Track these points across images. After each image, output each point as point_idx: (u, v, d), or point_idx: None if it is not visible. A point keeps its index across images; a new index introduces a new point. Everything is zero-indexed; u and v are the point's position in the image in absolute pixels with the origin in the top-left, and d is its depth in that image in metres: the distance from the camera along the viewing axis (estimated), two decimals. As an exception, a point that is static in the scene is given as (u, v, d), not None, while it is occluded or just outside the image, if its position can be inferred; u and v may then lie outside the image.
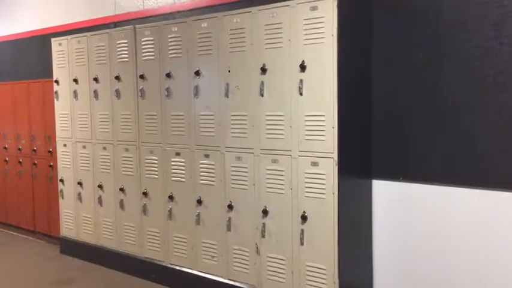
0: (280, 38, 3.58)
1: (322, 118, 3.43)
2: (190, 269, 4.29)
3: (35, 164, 6.11)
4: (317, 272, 3.53)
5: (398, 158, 3.73)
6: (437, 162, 3.55)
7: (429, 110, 3.57)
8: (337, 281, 3.43)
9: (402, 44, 3.67)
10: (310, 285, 3.57)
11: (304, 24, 3.46)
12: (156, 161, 4.52)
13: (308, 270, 3.58)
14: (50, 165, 5.84)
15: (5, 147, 6.55)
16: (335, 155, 3.39)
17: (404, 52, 3.67)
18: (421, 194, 3.63)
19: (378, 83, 3.78)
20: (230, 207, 3.97)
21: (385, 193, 3.79)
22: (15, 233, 6.54)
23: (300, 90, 3.51)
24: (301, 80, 3.50)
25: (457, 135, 3.46)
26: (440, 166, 3.55)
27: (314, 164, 3.50)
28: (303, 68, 3.48)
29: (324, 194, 3.46)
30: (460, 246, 3.48)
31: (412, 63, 3.64)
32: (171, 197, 4.39)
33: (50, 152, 5.84)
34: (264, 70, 3.68)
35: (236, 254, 3.99)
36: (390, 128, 3.75)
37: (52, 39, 5.45)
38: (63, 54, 5.30)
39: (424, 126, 3.60)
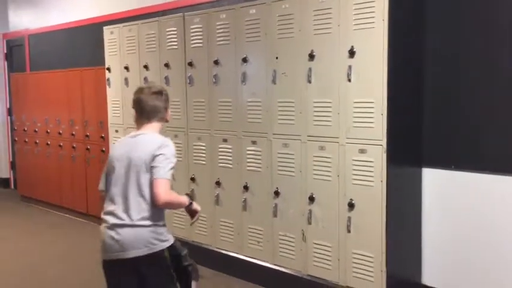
0: (329, 23, 3.53)
1: (371, 105, 3.38)
2: (237, 253, 4.35)
3: (88, 149, 6.32)
4: (364, 260, 3.51)
5: (449, 146, 3.64)
6: (490, 151, 3.45)
7: (482, 98, 3.46)
8: (384, 269, 3.40)
9: (457, 30, 3.56)
10: (357, 272, 3.56)
11: (354, 9, 3.41)
12: (203, 147, 4.59)
13: (355, 258, 3.56)
14: (102, 150, 6.02)
15: (59, 133, 6.80)
16: (384, 142, 3.34)
17: (460, 39, 3.55)
18: (472, 182, 3.53)
19: (429, 70, 3.69)
20: (276, 193, 3.99)
21: (436, 181, 3.71)
22: (69, 216, 6.81)
23: (348, 77, 3.47)
24: (349, 66, 3.46)
25: (509, 124, 3.34)
26: (492, 154, 3.44)
27: (362, 151, 3.46)
28: (351, 53, 3.44)
29: (372, 181, 3.42)
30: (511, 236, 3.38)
31: (467, 49, 3.52)
32: (218, 183, 4.46)
33: (102, 137, 6.02)
34: (311, 56, 3.65)
35: (282, 240, 4.01)
36: (441, 116, 3.66)
37: (104, 28, 5.60)
38: (115, 42, 5.43)
39: (476, 114, 3.49)
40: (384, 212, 3.37)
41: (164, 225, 2.64)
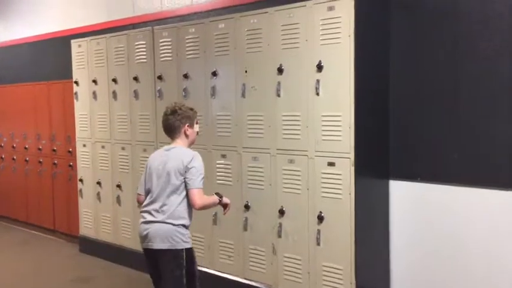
0: (297, 38, 3.58)
1: (338, 118, 3.42)
2: (207, 268, 4.32)
3: (55, 163, 6.21)
4: (333, 273, 3.53)
5: (415, 159, 3.70)
6: (455, 163, 3.52)
7: (447, 111, 3.54)
8: (353, 281, 3.42)
9: (420, 44, 3.64)
10: (327, 285, 3.57)
11: (321, 25, 3.47)
12: (173, 161, 4.55)
13: (324, 271, 3.58)
14: (70, 165, 5.93)
15: (25, 147, 6.67)
16: (352, 155, 3.38)
17: (422, 52, 3.64)
18: (438, 194, 3.59)
19: (395, 83, 3.76)
20: (247, 207, 3.98)
21: (402, 193, 3.77)
22: (35, 232, 6.65)
23: (316, 91, 3.52)
24: (317, 80, 3.50)
25: (475, 136, 3.42)
26: (458, 167, 3.51)
27: (331, 164, 3.49)
28: (319, 68, 3.48)
29: (340, 194, 3.45)
30: (477, 247, 3.44)
31: (430, 63, 3.61)
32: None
33: (69, 151, 5.93)
34: (280, 70, 3.68)
35: (252, 253, 4.00)
36: (408, 128, 3.73)
37: (72, 41, 5.54)
38: (83, 55, 5.38)
39: (442, 127, 3.56)
40: (353, 224, 3.40)
41: (188, 228, 3.13)
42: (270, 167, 3.84)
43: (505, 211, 3.31)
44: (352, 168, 3.38)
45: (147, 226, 3.11)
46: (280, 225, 3.79)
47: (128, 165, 5.00)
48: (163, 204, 3.09)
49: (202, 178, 3.10)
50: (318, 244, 3.58)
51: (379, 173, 3.78)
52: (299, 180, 3.67)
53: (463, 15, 3.43)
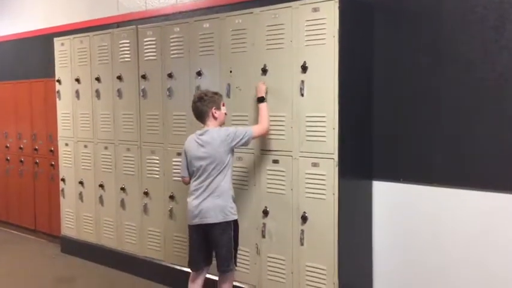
0: (282, 38, 3.59)
1: (323, 119, 3.44)
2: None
3: (36, 163, 6.13)
4: (317, 273, 3.54)
5: (398, 160, 3.74)
6: (437, 164, 3.56)
7: (430, 112, 3.58)
8: (336, 281, 3.44)
9: (403, 46, 3.68)
10: (310, 285, 3.58)
11: (306, 26, 3.48)
12: (157, 161, 4.53)
13: (308, 271, 3.59)
14: (52, 165, 5.86)
15: (6, 146, 6.58)
16: (335, 156, 3.40)
17: (405, 54, 3.68)
18: (420, 195, 3.63)
19: (379, 85, 3.79)
20: (231, 207, 3.98)
21: (385, 194, 3.80)
22: (16, 232, 6.56)
23: (301, 91, 3.53)
24: (302, 81, 3.52)
25: (457, 137, 3.47)
26: (440, 168, 3.55)
27: (315, 164, 3.51)
28: (304, 69, 3.50)
29: (324, 194, 3.47)
30: (459, 248, 3.48)
31: (412, 65, 3.65)
32: (171, 197, 4.41)
33: (51, 151, 5.86)
34: (264, 71, 3.69)
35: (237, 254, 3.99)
36: (391, 130, 3.76)
37: (54, 39, 5.48)
38: (66, 53, 5.32)
39: (425, 128, 3.60)
40: (336, 224, 3.42)
41: (233, 198, 3.49)
42: (254, 167, 3.84)
43: (487, 212, 3.36)
44: (336, 169, 3.40)
45: (197, 204, 3.44)
46: (264, 225, 3.79)
47: (110, 165, 4.96)
48: (211, 182, 3.41)
49: (244, 128, 3.53)
50: (302, 244, 3.60)
51: (362, 174, 3.80)
52: (283, 180, 3.68)
53: (444, 18, 3.48)
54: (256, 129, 3.53)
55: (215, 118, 3.50)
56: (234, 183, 3.93)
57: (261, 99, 3.62)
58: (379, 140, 3.81)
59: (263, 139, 3.74)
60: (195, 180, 3.50)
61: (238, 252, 3.90)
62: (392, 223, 3.79)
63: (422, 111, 3.61)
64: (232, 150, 3.48)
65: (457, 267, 3.50)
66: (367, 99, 3.80)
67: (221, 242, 3.43)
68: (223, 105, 3.57)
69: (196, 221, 3.45)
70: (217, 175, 3.42)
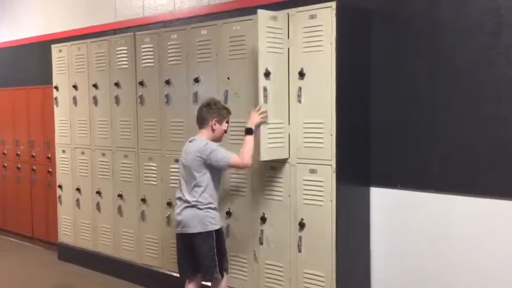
0: (281, 43, 3.58)
1: (320, 126, 3.44)
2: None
3: (33, 169, 6.12)
4: (315, 280, 3.53)
5: (396, 166, 3.73)
6: (434, 171, 3.56)
7: (427, 119, 3.58)
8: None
9: (400, 52, 3.69)
10: (308, 292, 3.58)
11: (303, 32, 3.49)
12: (154, 168, 4.53)
13: (306, 278, 3.58)
14: (49, 171, 5.85)
15: (3, 153, 6.57)
16: (333, 163, 3.40)
17: (403, 61, 3.68)
18: (418, 201, 3.62)
19: (376, 91, 3.79)
20: (228, 213, 3.97)
21: (383, 200, 3.79)
22: (13, 239, 6.54)
23: (298, 98, 3.53)
24: (299, 88, 3.52)
25: (454, 144, 3.47)
26: (437, 174, 3.55)
27: (312, 171, 3.51)
28: (301, 75, 3.50)
29: (322, 201, 3.47)
30: (456, 254, 3.48)
31: (410, 71, 3.65)
32: (169, 204, 4.40)
33: (48, 158, 5.85)
34: (267, 75, 3.61)
35: (234, 260, 3.98)
36: (388, 136, 3.76)
37: (52, 46, 5.49)
38: (63, 60, 5.33)
39: (422, 135, 3.60)
40: (334, 231, 3.42)
41: (215, 210, 3.46)
42: (251, 174, 3.84)
43: (485, 219, 3.35)
44: (334, 175, 3.40)
45: (178, 213, 3.47)
46: (262, 232, 3.78)
47: (108, 172, 4.95)
48: (190, 192, 3.42)
49: (221, 151, 3.37)
50: (300, 251, 3.59)
51: (360, 180, 3.80)
52: (281, 187, 3.68)
53: (441, 24, 3.48)
54: (234, 160, 3.35)
55: (213, 130, 3.48)
56: (232, 190, 3.95)
57: (248, 131, 3.41)
58: (376, 147, 3.80)
59: (261, 145, 3.73)
60: (179, 187, 3.55)
61: (236, 258, 3.91)
62: (390, 229, 3.78)
63: (419, 117, 3.61)
64: (209, 165, 3.37)
65: (454, 273, 3.49)
66: (364, 105, 3.81)
67: (202, 252, 3.40)
68: (227, 122, 3.55)
69: (178, 230, 3.50)
70: (195, 185, 3.40)
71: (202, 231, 3.39)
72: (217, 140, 3.52)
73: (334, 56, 3.35)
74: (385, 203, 3.78)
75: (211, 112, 3.47)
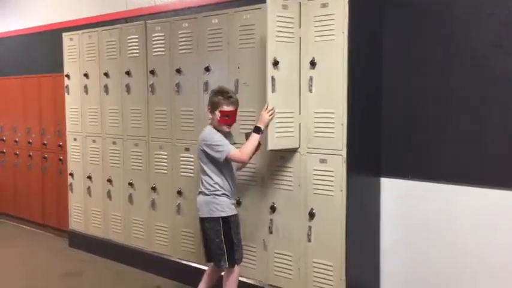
0: (292, 32, 3.56)
1: (331, 115, 3.43)
2: (198, 263, 4.31)
3: (45, 157, 6.17)
4: (324, 269, 3.54)
5: (407, 156, 3.72)
6: (446, 161, 3.55)
7: (439, 108, 3.56)
8: (343, 277, 3.44)
9: (413, 42, 3.66)
10: (317, 281, 3.58)
11: (315, 21, 3.46)
12: (165, 157, 4.54)
13: (315, 267, 3.59)
14: (60, 159, 5.89)
15: (15, 141, 6.62)
16: (344, 152, 3.39)
17: (415, 50, 3.65)
18: (429, 192, 3.62)
19: (388, 80, 3.78)
20: (238, 203, 3.98)
21: (394, 191, 3.79)
22: (24, 226, 6.61)
23: (309, 87, 3.52)
24: (311, 77, 3.51)
25: (465, 134, 3.45)
26: (448, 165, 3.54)
27: (322, 161, 3.50)
28: (313, 64, 3.48)
29: (332, 191, 3.46)
30: (466, 245, 3.47)
31: (422, 61, 3.63)
32: (179, 193, 4.42)
33: (60, 146, 5.89)
34: (276, 64, 3.60)
35: (243, 250, 3.99)
36: (400, 126, 3.75)
37: (63, 34, 5.49)
38: (74, 49, 5.34)
39: (434, 124, 3.59)
40: (344, 221, 3.42)
41: (222, 196, 3.47)
42: (262, 163, 3.84)
43: (494, 209, 3.34)
44: (344, 165, 3.39)
45: (197, 196, 3.60)
46: (272, 221, 3.79)
47: (119, 160, 4.98)
48: (201, 178, 3.55)
49: (225, 145, 3.40)
50: (309, 240, 3.60)
51: (370, 171, 3.79)
52: (291, 176, 3.68)
53: (455, 14, 3.45)
54: (235, 153, 3.39)
55: (210, 118, 3.57)
56: (241, 179, 3.95)
57: (256, 129, 3.42)
58: (387, 137, 3.79)
59: (271, 135, 3.73)
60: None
61: (245, 247, 3.91)
62: (400, 220, 3.78)
63: (431, 107, 3.59)
64: (210, 155, 3.42)
65: (464, 264, 3.49)
66: (376, 95, 3.79)
67: (210, 237, 3.50)
68: (221, 112, 3.41)
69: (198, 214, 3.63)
70: (202, 173, 3.53)
71: (208, 216, 3.47)
72: (217, 127, 3.48)
73: (346, 45, 3.33)
74: (395, 193, 3.78)
75: (209, 99, 3.54)
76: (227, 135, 3.54)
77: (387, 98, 3.78)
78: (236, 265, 3.53)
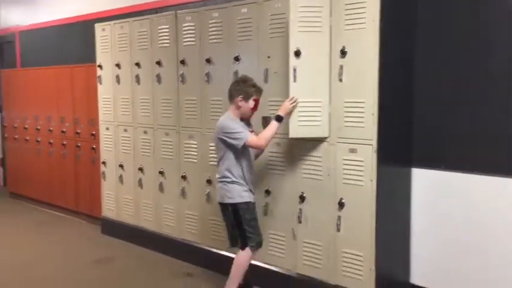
0: (320, 22, 3.54)
1: (361, 105, 3.40)
2: (227, 252, 4.35)
3: (78, 146, 6.30)
4: (353, 259, 3.53)
5: (440, 146, 3.67)
6: (479, 151, 3.48)
7: (473, 97, 3.49)
8: (373, 268, 3.43)
9: (447, 29, 3.59)
10: (346, 271, 3.58)
11: (345, 10, 3.43)
12: (195, 146, 4.59)
13: (344, 257, 3.59)
14: (93, 148, 6.01)
15: (49, 130, 6.77)
16: (374, 142, 3.36)
17: (449, 37, 3.58)
18: (461, 183, 3.56)
19: (420, 69, 3.72)
20: (267, 192, 4.00)
21: (425, 181, 3.74)
22: (58, 213, 6.78)
23: (339, 76, 3.49)
24: (341, 66, 3.48)
25: (502, 124, 3.37)
26: (481, 155, 3.47)
27: (352, 150, 3.48)
28: (343, 53, 3.46)
29: (362, 181, 3.44)
30: (498, 236, 3.41)
31: (456, 50, 3.56)
32: (209, 181, 4.46)
33: (92, 134, 6.00)
34: (298, 54, 3.61)
35: (272, 238, 4.02)
36: (432, 115, 3.69)
37: (96, 25, 5.58)
38: (106, 39, 5.42)
39: (467, 114, 3.52)
40: (374, 211, 3.40)
41: (233, 184, 3.57)
42: (290, 152, 3.84)
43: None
44: (374, 155, 3.36)
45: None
46: (301, 210, 3.80)
47: (149, 149, 5.05)
48: (217, 164, 3.69)
49: (239, 133, 3.48)
50: (338, 230, 3.59)
51: (401, 161, 3.75)
52: (320, 166, 3.67)
53: (491, 3, 3.37)
54: (252, 139, 3.50)
55: (238, 107, 3.58)
56: (270, 169, 3.97)
57: (278, 118, 3.53)
58: (419, 126, 3.74)
59: (299, 125, 3.72)
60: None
61: (274, 236, 3.94)
62: (431, 211, 3.73)
63: (465, 96, 3.53)
64: (227, 143, 3.52)
65: (497, 256, 3.43)
66: (407, 83, 3.74)
67: (224, 219, 3.75)
68: (255, 100, 3.58)
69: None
70: (219, 158, 3.65)
71: (221, 201, 3.67)
72: (244, 116, 3.63)
73: (377, 33, 3.28)
74: (427, 183, 3.73)
75: (237, 89, 3.57)
76: (247, 123, 3.65)
77: (419, 85, 3.73)
78: (250, 249, 3.60)
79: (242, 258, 3.62)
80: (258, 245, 3.65)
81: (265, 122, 3.76)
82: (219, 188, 3.65)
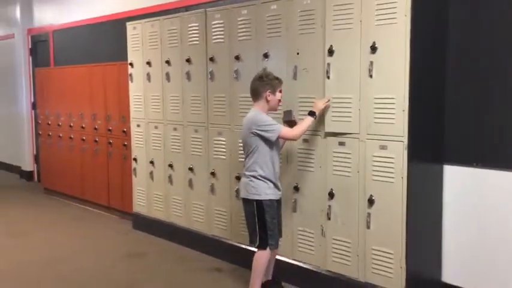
0: (351, 18, 3.52)
1: (392, 101, 3.37)
2: (255, 248, 4.36)
3: (110, 143, 6.41)
4: (383, 256, 3.50)
5: (472, 143, 3.60)
6: (514, 149, 3.41)
7: (507, 93, 3.41)
8: (404, 265, 3.39)
9: (479, 25, 3.52)
10: (376, 269, 3.55)
11: (377, 5, 3.40)
12: (224, 142, 4.62)
13: (374, 254, 3.56)
14: (124, 145, 6.10)
15: (82, 127, 6.90)
16: (405, 139, 3.32)
17: (483, 33, 3.51)
18: (495, 180, 3.49)
19: (453, 65, 3.65)
20: (296, 188, 4.00)
21: (458, 179, 3.68)
22: (90, 208, 6.91)
23: (369, 72, 3.46)
24: (371, 62, 3.45)
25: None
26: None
27: (382, 147, 3.45)
28: (373, 49, 3.42)
29: (392, 178, 3.41)
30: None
31: (490, 44, 3.48)
32: (237, 178, 4.48)
33: (124, 131, 6.10)
34: (331, 52, 3.63)
35: (301, 235, 4.02)
36: (465, 111, 3.62)
37: (127, 23, 5.66)
38: (137, 37, 5.50)
39: (502, 110, 3.44)
40: (404, 208, 3.36)
41: (259, 180, 3.58)
42: (320, 149, 3.83)
43: None
44: (405, 152, 3.33)
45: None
46: (330, 207, 3.79)
47: (179, 146, 5.11)
48: (245, 160, 3.70)
49: (273, 125, 3.52)
50: (368, 227, 3.57)
51: (433, 157, 3.70)
52: (349, 163, 3.65)
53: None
54: (286, 131, 3.58)
55: (267, 101, 3.61)
56: (299, 165, 3.97)
57: (311, 113, 3.62)
58: (451, 122, 3.68)
59: (329, 121, 3.71)
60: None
61: (303, 233, 3.93)
62: (463, 208, 3.67)
63: (499, 92, 3.45)
64: (260, 136, 3.53)
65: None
66: (439, 79, 3.68)
67: (246, 215, 3.72)
68: (280, 91, 3.66)
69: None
70: (247, 154, 3.64)
71: (244, 197, 3.68)
72: (273, 109, 3.70)
73: (408, 29, 3.24)
74: (459, 181, 3.67)
75: (263, 84, 3.60)
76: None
77: (451, 81, 3.66)
78: (269, 248, 3.62)
79: (262, 259, 3.65)
80: (277, 244, 3.70)
81: (287, 116, 3.80)
82: (245, 183, 3.65)
